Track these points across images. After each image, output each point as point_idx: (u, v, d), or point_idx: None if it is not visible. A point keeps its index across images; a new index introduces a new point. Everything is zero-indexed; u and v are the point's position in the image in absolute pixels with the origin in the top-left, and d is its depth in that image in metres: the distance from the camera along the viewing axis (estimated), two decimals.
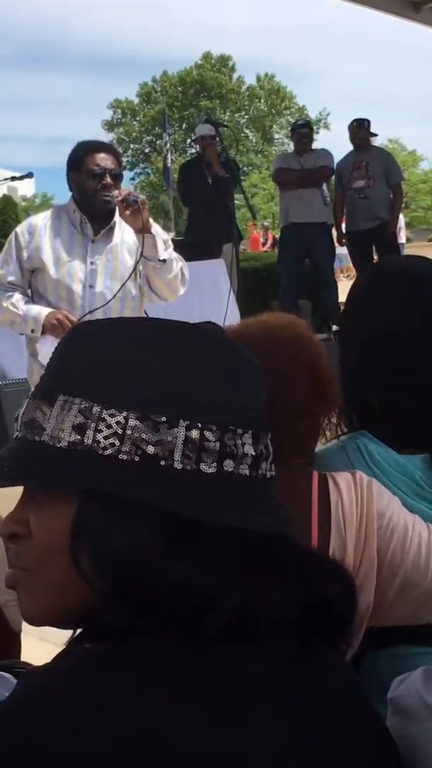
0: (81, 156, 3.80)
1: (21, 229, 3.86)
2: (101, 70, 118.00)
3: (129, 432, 0.86)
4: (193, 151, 11.19)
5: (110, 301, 3.73)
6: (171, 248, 3.80)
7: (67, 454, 0.87)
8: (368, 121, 8.96)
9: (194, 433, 0.86)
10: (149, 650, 0.82)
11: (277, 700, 0.85)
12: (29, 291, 3.85)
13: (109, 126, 59.03)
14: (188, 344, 0.91)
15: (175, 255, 3.80)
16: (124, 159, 58.19)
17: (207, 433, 0.86)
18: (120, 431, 0.86)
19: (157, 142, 52.13)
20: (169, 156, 24.85)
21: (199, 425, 0.86)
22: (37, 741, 0.77)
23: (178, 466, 0.85)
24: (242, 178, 9.74)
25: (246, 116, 58.91)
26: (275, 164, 9.47)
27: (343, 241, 9.14)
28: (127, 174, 55.42)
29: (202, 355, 0.91)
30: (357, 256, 9.19)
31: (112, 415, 0.87)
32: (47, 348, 3.71)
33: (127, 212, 3.63)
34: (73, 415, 0.88)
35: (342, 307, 1.77)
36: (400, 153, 48.30)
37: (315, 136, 9.64)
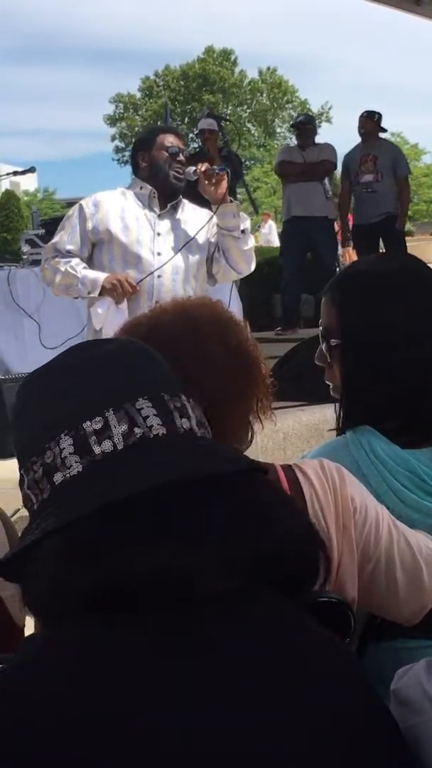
0: (153, 135, 3.96)
1: (85, 201, 3.92)
2: (103, 64, 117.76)
3: (55, 460, 0.99)
4: (196, 145, 11.15)
5: (169, 262, 3.79)
6: (248, 220, 3.90)
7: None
8: (379, 115, 8.87)
9: (29, 475, 1.00)
10: (141, 629, 0.86)
11: (281, 685, 0.85)
12: (90, 263, 3.89)
13: (112, 120, 58.93)
14: (15, 408, 1.10)
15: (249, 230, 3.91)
16: (127, 153, 58.25)
17: (34, 467, 0.98)
18: (50, 468, 1.01)
19: None
20: None
21: (28, 466, 1.00)
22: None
23: (35, 507, 0.99)
24: (244, 172, 9.72)
25: (248, 110, 58.77)
26: (278, 157, 9.45)
27: (348, 235, 9.10)
28: (129, 168, 55.29)
29: (21, 407, 1.08)
30: (363, 251, 9.10)
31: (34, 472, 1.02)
32: (103, 310, 3.77)
33: (209, 185, 3.77)
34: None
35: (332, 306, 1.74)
36: (403, 146, 48.20)
37: (318, 130, 9.61)
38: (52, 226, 7.98)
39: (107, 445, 0.95)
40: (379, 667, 1.29)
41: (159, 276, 3.79)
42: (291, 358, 5.45)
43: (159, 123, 50.60)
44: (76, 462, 0.95)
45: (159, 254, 3.82)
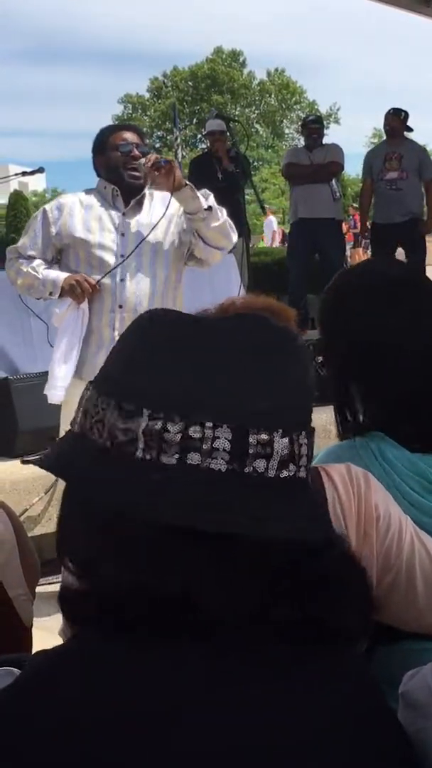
0: (105, 137, 3.86)
1: (50, 206, 3.89)
2: (112, 64, 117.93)
3: (107, 419, 0.90)
4: (204, 146, 11.16)
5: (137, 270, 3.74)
6: (212, 196, 3.77)
7: (68, 439, 0.95)
8: (406, 113, 8.71)
9: (156, 424, 0.87)
10: (150, 640, 0.85)
11: (287, 688, 0.85)
12: (58, 267, 3.86)
13: (120, 121, 58.74)
14: (173, 340, 0.92)
15: (216, 205, 3.78)
16: None
17: (169, 425, 0.87)
18: (102, 418, 0.90)
19: (168, 137, 52.03)
20: (179, 151, 24.81)
21: (162, 416, 0.87)
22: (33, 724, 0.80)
23: (139, 454, 0.87)
24: (252, 173, 9.72)
25: (256, 111, 58.83)
26: (285, 159, 9.43)
27: (364, 235, 9.00)
28: None
29: (180, 350, 0.91)
30: (380, 250, 9.00)
31: (100, 402, 0.91)
32: (61, 310, 3.76)
33: (158, 175, 3.63)
34: (84, 401, 0.94)
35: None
36: None
37: (325, 131, 9.59)
38: None
39: (260, 465, 0.88)
40: (389, 670, 1.28)
41: (122, 279, 3.73)
42: None
43: (168, 124, 50.73)
44: (222, 460, 0.87)
45: (122, 256, 3.75)
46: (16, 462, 4.59)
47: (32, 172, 6.93)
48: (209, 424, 0.87)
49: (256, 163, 48.01)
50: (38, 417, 4.54)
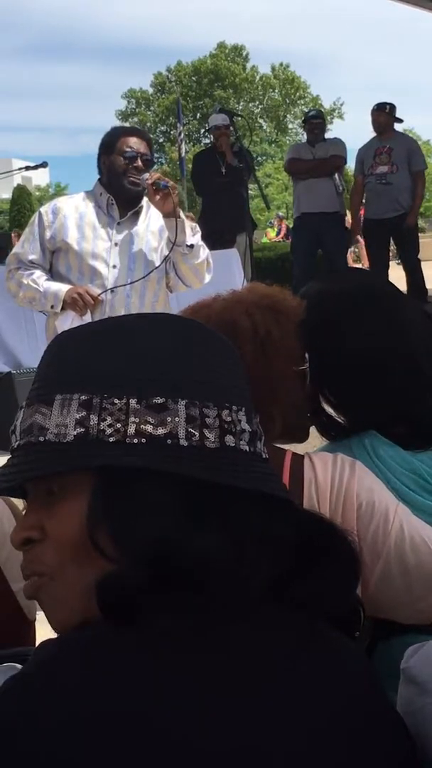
0: (114, 138, 3.81)
1: (45, 209, 3.86)
2: (115, 59, 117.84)
3: (132, 416, 0.89)
4: (207, 141, 11.16)
5: (136, 281, 3.73)
6: (198, 234, 3.79)
7: (73, 447, 0.89)
8: (391, 105, 8.66)
9: (194, 411, 0.89)
10: (156, 631, 0.84)
11: (287, 684, 0.85)
12: (50, 272, 3.83)
13: (123, 116, 58.92)
14: (170, 328, 0.97)
15: (201, 242, 3.79)
16: None
17: (206, 410, 0.90)
18: (123, 417, 0.89)
19: (171, 132, 52.06)
20: (183, 146, 24.84)
21: (197, 403, 0.89)
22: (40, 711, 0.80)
23: (183, 443, 0.88)
24: (256, 168, 9.72)
25: (260, 106, 58.74)
26: (287, 154, 9.44)
27: (359, 231, 8.98)
28: None
29: (186, 337, 0.95)
30: (373, 246, 9.02)
31: (112, 404, 0.89)
32: (67, 324, 3.68)
33: (157, 197, 3.62)
34: (74, 410, 0.90)
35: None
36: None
37: (329, 126, 9.59)
38: None
39: (260, 446, 0.96)
40: (391, 663, 1.28)
41: (112, 290, 3.72)
42: None
43: (172, 119, 50.69)
44: (245, 441, 0.93)
45: (114, 267, 3.74)
46: None
47: (36, 167, 6.94)
48: (234, 408, 0.93)
49: (259, 158, 48.00)
50: None
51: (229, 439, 0.91)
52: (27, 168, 6.88)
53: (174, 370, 0.91)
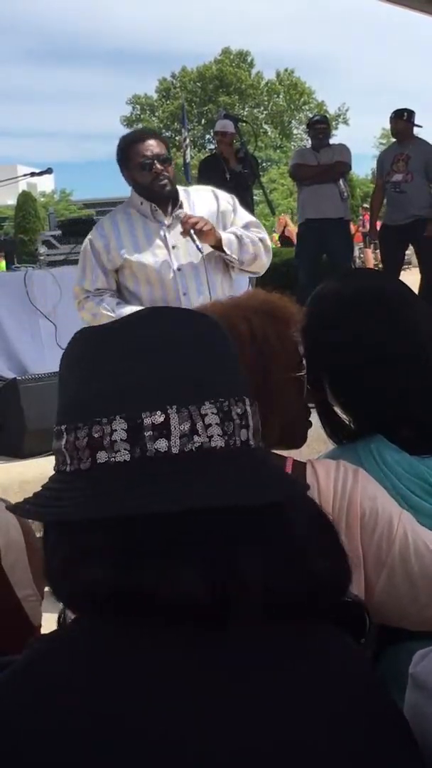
0: (125, 150, 3.80)
1: (93, 236, 3.86)
2: (120, 65, 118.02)
3: (54, 449, 0.97)
4: (212, 146, 11.15)
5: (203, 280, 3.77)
6: (246, 234, 3.82)
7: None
8: (409, 112, 8.56)
9: (70, 436, 0.93)
10: (147, 637, 0.86)
11: (286, 684, 0.85)
12: (118, 290, 3.86)
13: (128, 122, 58.97)
14: (69, 356, 1.00)
15: (251, 237, 3.83)
16: None
17: (78, 432, 0.92)
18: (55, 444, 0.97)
19: (176, 138, 52.04)
20: (188, 151, 24.82)
21: (72, 426, 0.93)
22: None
23: (68, 469, 0.93)
24: (261, 173, 9.72)
25: (265, 111, 58.75)
26: (292, 160, 9.42)
27: (374, 234, 8.90)
28: None
29: (74, 361, 0.99)
30: (389, 253, 8.93)
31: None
32: None
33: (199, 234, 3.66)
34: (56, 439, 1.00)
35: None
36: None
37: (334, 132, 9.59)
38: (68, 227, 8.02)
39: (162, 444, 0.90)
40: (398, 669, 1.28)
41: (184, 293, 3.74)
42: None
43: (177, 124, 50.71)
44: (125, 450, 0.90)
45: (179, 269, 3.77)
46: (25, 462, 4.60)
47: (41, 173, 6.96)
48: (105, 420, 0.91)
49: (264, 164, 47.97)
50: (46, 417, 4.54)
51: (101, 456, 0.91)
52: (32, 174, 6.90)
53: (61, 398, 0.99)
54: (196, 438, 0.91)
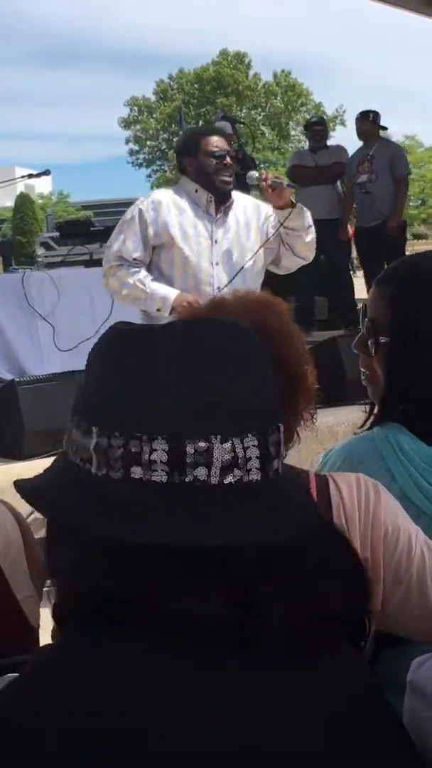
0: (197, 140, 3.93)
1: (144, 206, 3.87)
2: (117, 67, 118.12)
3: (73, 438, 0.93)
4: None
5: (235, 277, 3.82)
6: (308, 213, 4.02)
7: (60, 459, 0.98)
8: (374, 113, 8.64)
9: (103, 441, 0.89)
10: (142, 643, 0.86)
11: (286, 684, 0.85)
12: (149, 268, 3.87)
13: (126, 123, 58.95)
14: (114, 355, 0.95)
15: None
16: (141, 156, 58.35)
17: (113, 440, 0.89)
18: (69, 438, 0.95)
19: (174, 139, 52.03)
20: None
21: (107, 432, 0.89)
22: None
23: (94, 471, 0.90)
24: None
25: (262, 113, 58.70)
26: (290, 162, 9.46)
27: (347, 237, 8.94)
28: (143, 171, 55.54)
29: (124, 364, 0.93)
30: (362, 254, 9.07)
31: (70, 424, 0.95)
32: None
33: (272, 193, 3.81)
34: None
35: (367, 304, 1.73)
36: (417, 149, 48.05)
37: (332, 133, 9.60)
38: (66, 229, 8.02)
39: (201, 473, 0.88)
40: (396, 671, 1.28)
41: (218, 287, 3.77)
42: None
43: (174, 126, 50.70)
44: (162, 471, 0.88)
45: (217, 264, 3.81)
46: (23, 464, 4.59)
47: (38, 175, 6.96)
48: (145, 437, 0.88)
49: (262, 165, 48.01)
50: (45, 419, 4.54)
51: (136, 471, 0.88)
52: (30, 176, 6.91)
53: (96, 398, 0.93)
54: (236, 471, 0.89)
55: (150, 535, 0.86)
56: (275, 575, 0.89)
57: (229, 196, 3.92)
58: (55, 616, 0.95)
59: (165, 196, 3.93)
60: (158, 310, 3.75)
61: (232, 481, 0.89)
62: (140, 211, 3.84)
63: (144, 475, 0.88)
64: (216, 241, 3.84)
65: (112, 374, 0.92)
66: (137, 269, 3.79)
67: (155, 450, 0.88)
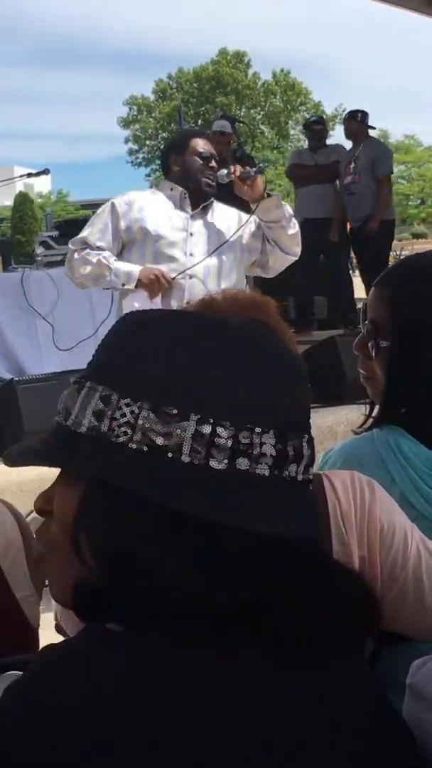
0: (187, 139, 4.02)
1: (118, 201, 3.94)
2: (116, 66, 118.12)
3: (141, 422, 0.87)
4: None
5: (212, 262, 3.87)
6: (288, 206, 3.99)
7: (83, 439, 0.90)
8: (362, 113, 8.65)
9: (205, 428, 0.86)
10: (146, 639, 0.85)
11: (286, 684, 0.85)
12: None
13: (125, 123, 59.02)
14: (216, 341, 0.91)
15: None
16: (140, 155, 58.39)
17: (219, 429, 0.86)
18: (132, 421, 0.87)
19: None
20: None
21: (211, 420, 0.86)
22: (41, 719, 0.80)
23: (185, 459, 0.86)
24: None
25: (262, 112, 58.74)
26: (289, 161, 9.48)
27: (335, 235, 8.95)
28: (143, 170, 55.55)
29: (227, 352, 0.90)
30: (356, 254, 9.17)
31: (127, 405, 0.88)
32: (140, 304, 3.74)
33: (245, 186, 3.83)
34: (94, 402, 0.90)
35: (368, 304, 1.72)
36: (416, 149, 48.10)
37: (331, 132, 9.61)
38: (65, 228, 8.01)
39: (293, 470, 0.90)
40: (396, 669, 1.28)
41: (191, 276, 3.83)
42: (304, 361, 5.45)
43: (174, 125, 50.73)
44: (266, 464, 0.88)
45: (191, 255, 3.86)
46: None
47: (37, 174, 6.97)
48: (258, 430, 0.87)
49: (261, 164, 47.96)
50: (44, 418, 4.54)
51: (242, 462, 0.87)
52: (29, 175, 6.91)
53: (197, 384, 0.88)
54: (310, 470, 0.94)
55: (275, 528, 0.87)
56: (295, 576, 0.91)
57: (209, 197, 3.99)
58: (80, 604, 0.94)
59: (140, 193, 4.03)
60: (123, 285, 3.81)
61: (308, 477, 0.93)
62: (113, 204, 3.92)
63: (250, 467, 0.87)
64: (191, 234, 3.90)
65: (209, 363, 0.89)
66: (101, 252, 3.85)
67: (264, 443, 0.87)
